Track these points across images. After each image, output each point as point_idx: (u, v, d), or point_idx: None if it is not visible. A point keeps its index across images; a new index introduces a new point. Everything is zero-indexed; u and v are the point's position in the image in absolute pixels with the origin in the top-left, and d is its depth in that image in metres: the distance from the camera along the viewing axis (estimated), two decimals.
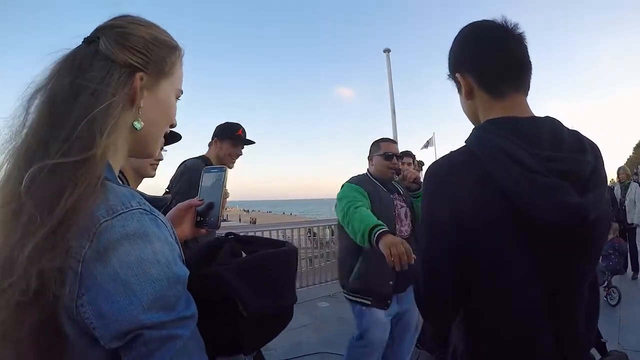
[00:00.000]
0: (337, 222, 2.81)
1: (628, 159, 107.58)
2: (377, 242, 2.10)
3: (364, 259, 2.62)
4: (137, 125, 0.79)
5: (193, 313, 0.71)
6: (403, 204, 2.82)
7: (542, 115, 1.05)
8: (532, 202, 0.91)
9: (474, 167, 0.98)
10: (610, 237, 6.37)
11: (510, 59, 1.07)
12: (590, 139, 1.06)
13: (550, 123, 1.02)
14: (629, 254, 7.31)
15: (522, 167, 0.92)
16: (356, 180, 2.77)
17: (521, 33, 1.09)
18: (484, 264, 0.98)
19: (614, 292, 5.85)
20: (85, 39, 0.79)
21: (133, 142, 0.82)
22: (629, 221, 7.59)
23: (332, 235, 8.14)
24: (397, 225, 2.69)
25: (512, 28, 1.09)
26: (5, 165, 0.70)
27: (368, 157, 2.98)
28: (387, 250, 1.96)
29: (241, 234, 1.10)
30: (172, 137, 1.90)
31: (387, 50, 12.62)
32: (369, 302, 2.64)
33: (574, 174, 0.94)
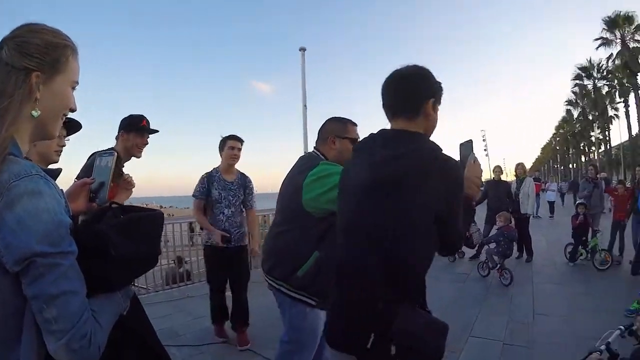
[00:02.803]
0: (274, 210, 2.62)
1: (536, 159, 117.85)
2: None
3: (321, 255, 2.25)
4: (35, 113, 1.00)
5: (73, 250, 0.96)
6: None
7: (399, 129, 1.55)
8: None
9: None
10: (500, 225, 7.03)
11: (383, 99, 1.61)
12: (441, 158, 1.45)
13: (390, 132, 1.58)
14: (521, 240, 8.19)
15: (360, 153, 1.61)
16: (318, 158, 2.43)
17: (396, 78, 1.57)
18: None
19: (506, 274, 6.48)
20: None
21: (34, 128, 1.04)
22: (522, 212, 8.34)
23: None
24: None
25: (392, 75, 1.58)
26: None
27: (324, 137, 2.50)
28: None
29: (122, 204, 1.39)
30: (73, 127, 2.16)
31: (302, 49, 13.12)
32: (314, 303, 2.32)
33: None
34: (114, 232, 1.09)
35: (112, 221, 1.19)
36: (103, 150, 1.48)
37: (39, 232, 0.89)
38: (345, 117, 2.51)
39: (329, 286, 1.73)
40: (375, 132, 1.62)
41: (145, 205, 1.87)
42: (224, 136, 4.27)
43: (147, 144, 2.89)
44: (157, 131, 2.94)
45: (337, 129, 2.45)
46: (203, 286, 5.65)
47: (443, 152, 1.45)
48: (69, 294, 0.92)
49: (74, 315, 0.93)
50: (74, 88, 1.11)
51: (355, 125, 2.48)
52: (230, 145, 4.18)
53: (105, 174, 1.38)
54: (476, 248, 8.37)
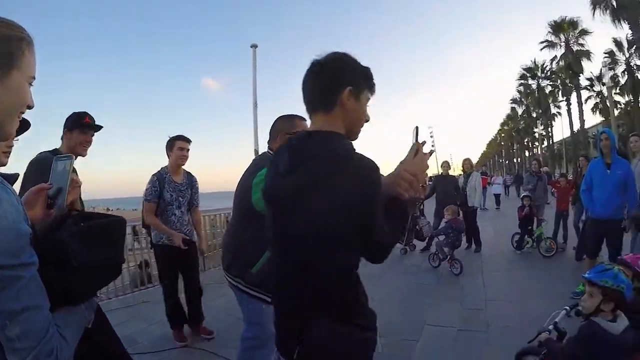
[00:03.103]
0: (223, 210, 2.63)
1: (482, 153, 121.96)
2: None
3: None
4: None
5: (34, 261, 0.89)
6: None
7: (314, 130, 1.43)
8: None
9: None
10: (448, 218, 7.26)
11: (303, 95, 1.47)
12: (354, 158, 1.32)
13: (304, 134, 1.44)
14: (469, 231, 8.45)
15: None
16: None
17: (310, 69, 1.44)
18: None
19: (456, 264, 6.69)
20: None
21: None
22: (469, 204, 8.70)
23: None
24: None
25: (308, 67, 1.44)
26: None
27: (274, 136, 2.56)
28: None
29: (82, 210, 1.35)
30: (22, 127, 2.01)
31: (254, 46, 13.17)
32: (269, 300, 2.22)
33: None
34: (75, 240, 1.04)
35: (73, 229, 1.13)
36: (61, 155, 1.39)
37: None
38: (293, 113, 2.53)
39: None
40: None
41: (92, 209, 1.73)
42: (171, 136, 4.22)
43: (92, 141, 2.83)
44: (101, 127, 2.86)
45: (285, 125, 2.48)
46: (156, 290, 5.57)
47: (354, 151, 1.34)
48: (33, 309, 0.86)
49: (39, 332, 0.87)
50: (30, 84, 1.01)
51: (304, 119, 2.46)
52: (180, 146, 4.14)
53: (63, 179, 1.30)
54: (426, 240, 8.63)
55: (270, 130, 2.59)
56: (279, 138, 2.47)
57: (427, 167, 1.51)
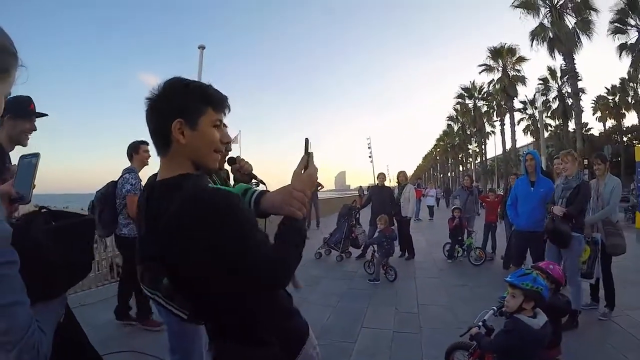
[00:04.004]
0: None
1: (418, 166, 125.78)
2: None
3: None
4: None
5: (16, 259, 0.91)
6: None
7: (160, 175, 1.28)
8: None
9: None
10: (381, 227, 7.48)
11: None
12: (189, 199, 1.15)
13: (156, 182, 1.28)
14: (403, 240, 8.81)
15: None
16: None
17: (148, 103, 1.24)
18: None
19: (390, 271, 6.94)
20: None
21: None
22: (402, 214, 9.03)
23: None
24: None
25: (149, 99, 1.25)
26: None
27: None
28: None
29: (52, 208, 1.37)
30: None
31: (201, 47, 13.02)
32: (185, 317, 1.85)
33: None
34: (48, 238, 1.08)
35: (45, 227, 1.17)
36: (27, 154, 1.42)
37: None
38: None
39: None
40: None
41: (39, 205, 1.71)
42: (136, 141, 4.49)
43: (35, 129, 2.65)
44: (45, 114, 2.68)
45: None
46: (98, 292, 5.54)
47: (201, 189, 1.21)
48: (17, 305, 0.89)
49: (23, 327, 0.90)
50: (6, 97, 1.02)
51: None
52: (145, 149, 4.41)
53: (29, 174, 1.36)
54: (362, 248, 8.93)
55: None
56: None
57: (316, 180, 1.40)
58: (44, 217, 1.24)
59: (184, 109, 1.21)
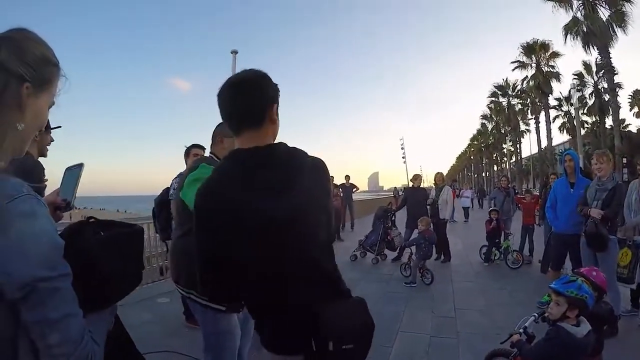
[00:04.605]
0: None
1: (452, 167, 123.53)
2: None
3: None
4: (20, 127, 0.95)
5: (69, 272, 0.92)
6: None
7: (267, 144, 1.46)
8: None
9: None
10: (422, 229, 7.44)
11: (227, 114, 1.49)
12: (314, 158, 1.53)
13: (265, 149, 1.44)
14: (439, 242, 8.58)
15: (236, 182, 1.40)
16: (209, 161, 2.54)
17: (243, 83, 1.47)
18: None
19: (427, 274, 6.88)
20: None
21: (14, 141, 0.96)
22: (440, 217, 8.88)
23: None
24: None
25: (235, 82, 1.48)
26: None
27: (214, 140, 2.72)
28: None
29: (99, 219, 1.36)
30: None
31: (234, 52, 13.20)
32: (223, 309, 2.36)
33: (272, 185, 1.39)
34: (99, 249, 1.08)
35: (95, 238, 1.16)
36: (72, 165, 1.52)
37: (38, 256, 0.86)
38: None
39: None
40: (231, 156, 1.50)
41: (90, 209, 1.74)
42: (188, 145, 4.68)
43: (53, 140, 2.71)
44: (58, 127, 2.71)
45: (223, 129, 2.65)
46: (137, 293, 5.57)
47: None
48: (70, 317, 0.90)
49: (76, 338, 0.91)
50: (49, 107, 1.06)
51: None
52: (195, 152, 4.52)
53: (73, 183, 1.42)
54: (397, 250, 8.86)
55: (212, 136, 2.75)
56: (217, 140, 2.67)
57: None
58: (92, 226, 1.24)
59: (275, 96, 1.50)
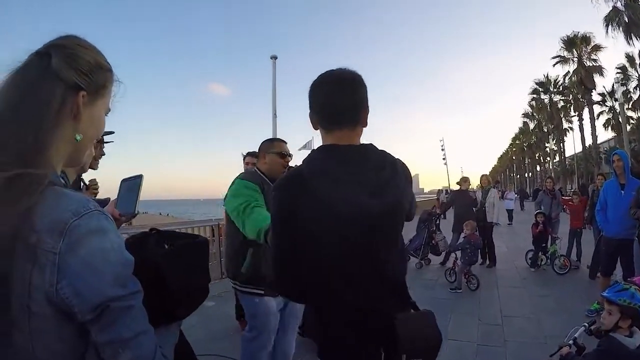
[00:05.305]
0: (218, 222, 2.92)
1: (493, 168, 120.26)
2: None
3: (255, 249, 2.66)
4: (78, 137, 0.92)
5: (140, 289, 0.89)
6: None
7: (360, 143, 1.49)
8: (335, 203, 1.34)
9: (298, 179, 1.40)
10: (467, 233, 7.35)
11: (329, 106, 1.46)
12: (400, 161, 1.53)
13: (359, 148, 1.46)
14: (486, 247, 8.54)
15: (330, 177, 1.36)
16: (250, 177, 2.78)
17: (350, 81, 1.46)
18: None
19: (473, 279, 6.79)
20: (37, 53, 0.90)
21: (71, 152, 0.93)
22: (487, 220, 8.73)
23: (212, 237, 7.98)
24: None
25: (342, 79, 1.46)
26: None
27: (259, 155, 2.95)
28: None
29: (161, 230, 1.36)
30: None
31: (274, 57, 13.31)
32: (261, 292, 2.73)
33: (367, 184, 1.38)
34: (166, 262, 1.06)
35: (160, 251, 1.15)
36: (128, 177, 1.57)
37: (110, 274, 0.83)
38: (275, 137, 3.02)
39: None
40: (327, 151, 1.46)
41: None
42: (244, 153, 5.04)
43: (104, 154, 2.71)
44: (111, 132, 2.69)
45: (265, 146, 2.91)
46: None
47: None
48: (142, 335, 0.88)
49: (148, 355, 0.89)
50: (106, 114, 1.04)
51: (283, 142, 2.95)
52: (247, 160, 4.85)
53: (134, 193, 1.48)
54: (444, 255, 8.73)
55: (258, 150, 3.00)
56: (261, 156, 2.92)
57: None
58: (155, 238, 1.23)
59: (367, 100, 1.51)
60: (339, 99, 1.44)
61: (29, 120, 0.83)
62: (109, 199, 1.95)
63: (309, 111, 1.53)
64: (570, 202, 8.88)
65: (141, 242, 1.19)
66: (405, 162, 1.54)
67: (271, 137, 2.99)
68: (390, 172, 1.43)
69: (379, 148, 1.50)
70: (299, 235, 1.37)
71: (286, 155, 2.88)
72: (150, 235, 1.25)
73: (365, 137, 1.52)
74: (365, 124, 1.50)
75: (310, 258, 1.39)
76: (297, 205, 1.35)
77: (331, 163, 1.39)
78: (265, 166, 2.86)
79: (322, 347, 1.50)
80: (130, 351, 0.85)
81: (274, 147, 2.87)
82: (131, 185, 1.53)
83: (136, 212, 1.47)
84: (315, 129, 1.53)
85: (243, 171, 4.59)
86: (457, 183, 9.53)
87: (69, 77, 0.88)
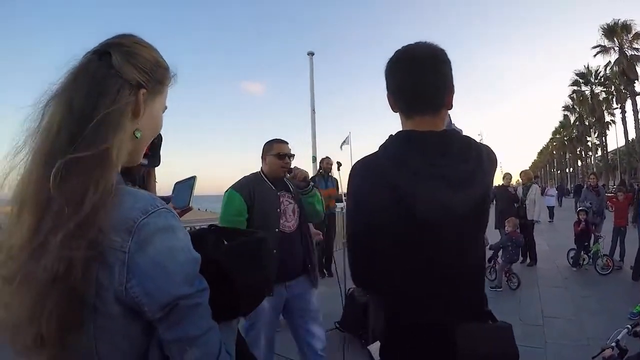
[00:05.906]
0: None
1: (532, 163, 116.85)
2: None
3: None
4: (138, 134, 0.93)
5: (206, 286, 0.90)
6: (291, 201, 3.01)
7: (443, 129, 1.30)
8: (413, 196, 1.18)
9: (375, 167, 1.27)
10: (509, 230, 7.30)
11: (407, 91, 1.30)
12: (487, 147, 1.33)
13: (442, 136, 1.27)
14: (527, 245, 8.40)
15: (409, 168, 1.20)
16: (239, 186, 2.91)
17: (432, 59, 1.27)
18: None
19: (513, 278, 6.77)
20: (96, 52, 0.90)
21: (132, 149, 0.93)
22: (528, 217, 8.60)
23: None
24: (281, 220, 2.88)
25: (422, 56, 1.28)
26: (25, 161, 0.84)
27: (261, 157, 3.06)
28: None
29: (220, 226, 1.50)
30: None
31: (311, 54, 13.43)
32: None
33: (450, 177, 1.20)
34: (227, 259, 1.04)
35: (221, 247, 1.15)
36: (182, 180, 1.72)
37: (179, 273, 0.84)
38: (276, 138, 3.06)
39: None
40: (400, 138, 1.30)
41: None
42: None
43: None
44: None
45: (266, 148, 3.02)
46: None
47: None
48: (209, 332, 0.88)
49: (215, 352, 0.89)
50: (163, 112, 1.04)
51: (283, 143, 3.03)
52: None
53: (187, 191, 1.63)
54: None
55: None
56: (262, 158, 3.03)
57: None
58: (213, 234, 1.23)
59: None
60: (418, 81, 1.27)
61: (100, 119, 0.83)
62: (171, 196, 2.00)
63: (386, 92, 1.37)
64: (614, 199, 8.66)
65: (200, 239, 1.17)
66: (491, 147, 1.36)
67: (277, 138, 3.08)
68: (476, 162, 1.25)
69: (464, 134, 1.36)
70: (372, 230, 1.25)
71: (285, 156, 2.96)
72: (209, 231, 1.27)
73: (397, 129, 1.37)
74: (450, 107, 1.33)
75: (383, 252, 1.26)
76: (371, 196, 1.24)
77: (411, 154, 1.22)
78: (266, 167, 3.00)
79: (384, 347, 1.35)
80: (198, 349, 0.85)
81: (272, 149, 2.98)
82: (185, 185, 1.69)
83: (190, 205, 1.61)
84: (395, 111, 1.37)
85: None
86: (503, 178, 9.35)
87: (131, 75, 0.89)
